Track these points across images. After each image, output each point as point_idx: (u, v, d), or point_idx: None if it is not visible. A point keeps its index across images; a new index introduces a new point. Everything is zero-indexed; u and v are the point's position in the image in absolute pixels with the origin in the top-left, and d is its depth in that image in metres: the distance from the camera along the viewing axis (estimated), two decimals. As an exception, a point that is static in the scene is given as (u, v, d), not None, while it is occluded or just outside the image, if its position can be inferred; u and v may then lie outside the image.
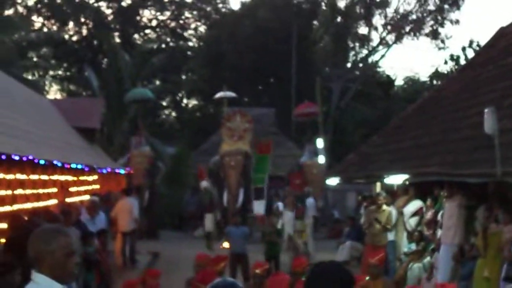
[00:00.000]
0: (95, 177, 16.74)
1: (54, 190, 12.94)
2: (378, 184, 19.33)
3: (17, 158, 9.33)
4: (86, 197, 15.51)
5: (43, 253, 3.85)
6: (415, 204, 15.64)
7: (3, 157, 8.80)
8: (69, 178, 14.21)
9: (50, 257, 3.84)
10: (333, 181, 21.05)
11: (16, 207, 10.75)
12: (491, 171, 10.76)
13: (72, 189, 14.94)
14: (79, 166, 13.37)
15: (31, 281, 3.83)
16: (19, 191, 10.74)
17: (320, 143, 29.90)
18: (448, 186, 13.35)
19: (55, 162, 11.56)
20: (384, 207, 15.60)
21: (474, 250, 11.95)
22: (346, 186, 25.94)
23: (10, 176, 9.92)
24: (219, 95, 30.25)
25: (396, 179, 16.20)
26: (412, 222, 15.39)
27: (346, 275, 3.85)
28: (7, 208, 10.25)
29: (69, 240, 4.01)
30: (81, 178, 15.27)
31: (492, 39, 19.35)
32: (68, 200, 14.57)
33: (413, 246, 14.83)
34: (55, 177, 12.54)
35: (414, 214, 15.47)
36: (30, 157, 9.95)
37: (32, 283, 3.82)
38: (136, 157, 23.09)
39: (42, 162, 10.61)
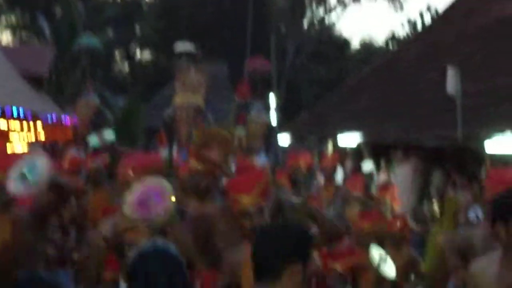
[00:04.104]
0: (39, 125, 16.03)
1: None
2: (330, 144, 18.98)
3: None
4: (28, 146, 14.82)
5: None
6: (367, 166, 15.33)
7: None
8: (11, 125, 13.52)
9: None
10: (284, 139, 20.69)
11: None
12: (452, 134, 10.46)
13: (13, 137, 14.26)
14: (21, 111, 12.67)
15: None
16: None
17: (272, 99, 29.52)
18: (404, 148, 13.06)
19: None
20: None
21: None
22: (297, 145, 25.59)
23: None
24: (178, 48, 29.61)
25: (349, 139, 15.86)
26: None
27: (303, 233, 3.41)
28: None
29: None
30: (24, 126, 14.55)
31: (451, 3, 19.05)
32: (8, 148, 13.90)
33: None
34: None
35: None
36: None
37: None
38: (81, 107, 22.35)
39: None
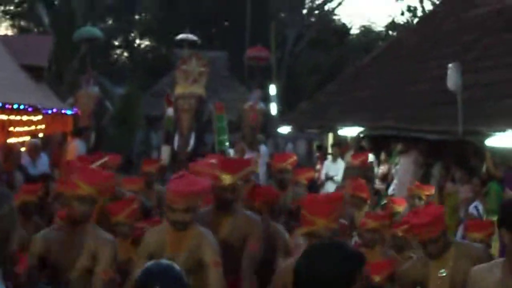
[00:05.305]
0: (40, 117, 16.00)
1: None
2: (331, 135, 18.99)
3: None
4: (28, 139, 14.79)
5: None
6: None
7: None
8: (11, 118, 13.49)
9: None
10: (284, 129, 20.67)
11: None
12: (452, 129, 10.44)
13: (14, 129, 14.24)
14: (21, 106, 12.65)
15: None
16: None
17: (272, 89, 29.43)
18: (404, 141, 13.05)
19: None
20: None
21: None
22: (297, 134, 25.62)
23: None
24: (180, 37, 29.55)
25: (350, 131, 15.84)
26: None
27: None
28: None
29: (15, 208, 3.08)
30: (24, 118, 14.52)
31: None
32: (9, 141, 13.91)
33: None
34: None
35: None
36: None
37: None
38: (82, 98, 22.27)
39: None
